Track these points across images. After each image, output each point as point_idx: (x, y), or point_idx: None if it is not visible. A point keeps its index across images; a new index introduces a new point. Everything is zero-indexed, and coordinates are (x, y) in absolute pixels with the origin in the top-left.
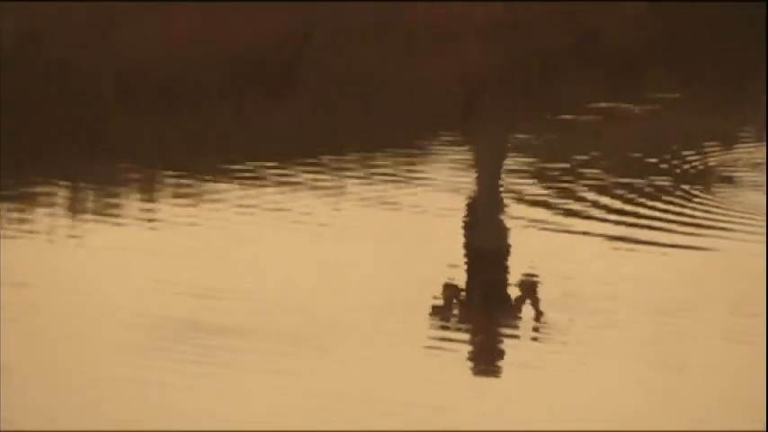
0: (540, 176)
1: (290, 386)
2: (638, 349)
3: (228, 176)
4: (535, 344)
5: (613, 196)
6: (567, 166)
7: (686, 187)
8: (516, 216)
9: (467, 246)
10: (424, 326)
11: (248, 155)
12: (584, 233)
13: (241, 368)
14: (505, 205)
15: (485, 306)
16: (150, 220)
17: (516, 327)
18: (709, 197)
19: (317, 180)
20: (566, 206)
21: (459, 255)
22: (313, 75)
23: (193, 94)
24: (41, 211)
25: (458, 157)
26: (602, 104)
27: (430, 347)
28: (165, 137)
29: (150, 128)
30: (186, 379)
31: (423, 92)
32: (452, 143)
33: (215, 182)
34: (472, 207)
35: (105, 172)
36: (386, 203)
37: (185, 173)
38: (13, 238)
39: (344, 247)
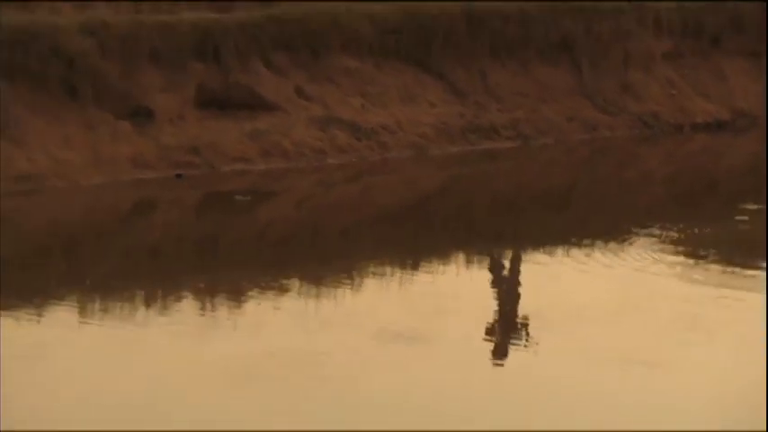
0: (688, 255)
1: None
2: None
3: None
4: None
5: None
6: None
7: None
8: (657, 269)
9: (497, 293)
10: None
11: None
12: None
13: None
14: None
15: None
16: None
17: (519, 340)
18: None
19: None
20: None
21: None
22: (577, 197)
23: (505, 207)
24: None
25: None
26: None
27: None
28: (479, 225)
29: (471, 221)
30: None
31: (624, 206)
32: (647, 234)
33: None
34: (496, 267)
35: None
36: (605, 265)
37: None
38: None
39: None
